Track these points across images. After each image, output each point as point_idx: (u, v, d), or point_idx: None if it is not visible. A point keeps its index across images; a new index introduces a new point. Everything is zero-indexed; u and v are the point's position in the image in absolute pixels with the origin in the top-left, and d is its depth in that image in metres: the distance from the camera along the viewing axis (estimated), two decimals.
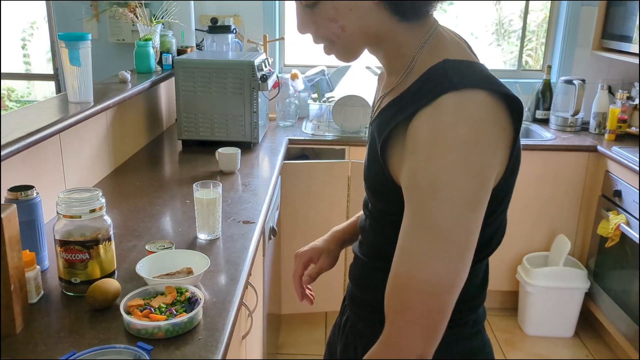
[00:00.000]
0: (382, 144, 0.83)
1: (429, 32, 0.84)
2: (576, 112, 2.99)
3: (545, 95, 3.22)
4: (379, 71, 2.72)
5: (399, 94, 0.84)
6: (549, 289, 2.78)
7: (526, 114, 3.30)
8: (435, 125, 0.74)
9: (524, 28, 3.37)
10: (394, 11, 0.81)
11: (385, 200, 0.88)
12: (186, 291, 1.15)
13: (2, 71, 5.74)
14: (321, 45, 0.89)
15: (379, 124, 0.86)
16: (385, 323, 0.79)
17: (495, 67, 3.60)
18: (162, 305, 1.10)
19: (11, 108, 6.02)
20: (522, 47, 3.42)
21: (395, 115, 0.82)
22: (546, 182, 2.85)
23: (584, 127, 3.10)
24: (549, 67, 3.21)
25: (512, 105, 0.78)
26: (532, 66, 3.66)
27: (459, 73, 0.78)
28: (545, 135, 3.01)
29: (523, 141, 2.94)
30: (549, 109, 3.21)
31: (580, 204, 2.88)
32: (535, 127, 3.17)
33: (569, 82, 3.04)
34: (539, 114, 3.24)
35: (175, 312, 1.08)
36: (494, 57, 4.68)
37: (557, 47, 3.29)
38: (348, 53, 0.87)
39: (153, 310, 1.08)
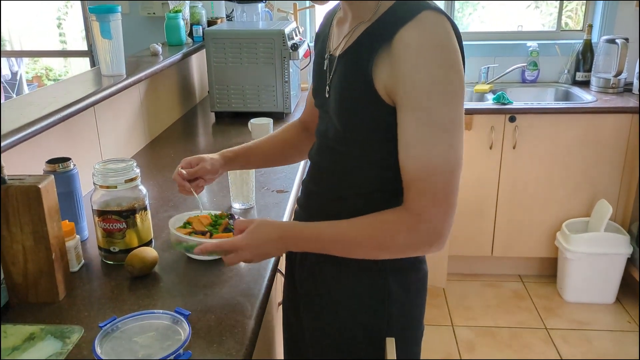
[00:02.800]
0: (372, 62, 0.93)
1: None
2: (619, 73, 2.87)
3: (586, 56, 3.10)
4: None
5: (373, 22, 0.96)
6: (589, 255, 2.72)
7: (565, 76, 3.19)
8: (420, 33, 0.88)
9: None
10: None
11: (363, 120, 0.98)
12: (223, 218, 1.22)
13: (39, 49, 5.86)
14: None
15: (359, 51, 0.96)
16: (407, 198, 0.93)
17: (533, 29, 3.47)
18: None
19: None
20: (561, 7, 3.29)
21: (377, 37, 0.93)
22: (587, 146, 2.77)
23: (627, 89, 2.98)
24: (590, 26, 3.08)
25: (455, 30, 0.93)
26: (572, 27, 3.52)
27: (428, 1, 0.93)
28: (586, 97, 2.91)
29: (562, 104, 2.85)
30: (589, 70, 3.09)
31: (622, 168, 2.79)
32: (576, 90, 3.06)
33: (612, 41, 2.91)
34: (579, 76, 3.13)
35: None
36: (532, 19, 4.52)
37: (598, 4, 3.15)
38: None
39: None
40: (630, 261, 2.76)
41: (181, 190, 1.26)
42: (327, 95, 1.06)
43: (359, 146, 1.01)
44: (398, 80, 0.90)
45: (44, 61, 6.29)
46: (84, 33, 3.55)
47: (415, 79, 0.88)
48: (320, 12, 3.24)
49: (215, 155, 1.30)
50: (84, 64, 5.70)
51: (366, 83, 0.94)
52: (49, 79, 6.33)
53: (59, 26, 5.92)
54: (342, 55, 1.01)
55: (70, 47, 5.94)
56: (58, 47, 6.02)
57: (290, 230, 1.03)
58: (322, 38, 1.14)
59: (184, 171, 1.25)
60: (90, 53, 3.31)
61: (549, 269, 3.05)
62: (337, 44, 1.05)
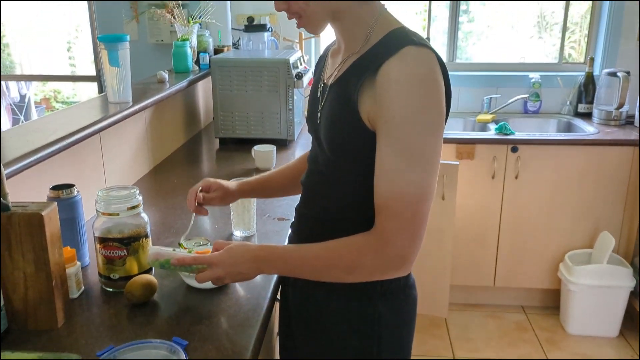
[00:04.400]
0: (357, 92, 0.98)
1: (379, 10, 1.05)
2: (620, 105, 2.89)
3: (588, 88, 3.12)
4: None
5: (362, 54, 1.02)
6: (592, 288, 2.71)
7: (567, 107, 3.21)
8: (403, 68, 0.93)
9: (565, 20, 3.28)
10: None
11: (348, 146, 1.03)
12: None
13: (49, 74, 5.95)
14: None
15: (348, 80, 1.02)
16: (376, 222, 0.97)
17: (536, 61, 3.51)
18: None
19: (57, 109, 6.23)
20: (563, 40, 3.33)
21: (364, 69, 0.99)
22: (589, 178, 2.77)
23: (629, 121, 3.00)
24: (592, 59, 3.11)
25: (441, 64, 0.98)
26: (575, 59, 3.55)
27: (415, 35, 0.99)
28: (588, 129, 2.92)
29: (564, 136, 2.87)
30: (591, 102, 3.11)
31: (625, 200, 2.79)
32: (578, 121, 3.08)
33: (613, 74, 2.94)
34: (582, 108, 3.15)
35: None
36: (535, 50, 4.57)
37: (600, 39, 3.19)
38: (314, 25, 1.05)
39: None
40: (633, 294, 2.74)
41: (189, 206, 1.33)
42: (318, 121, 1.12)
43: (347, 171, 1.06)
44: (379, 110, 0.96)
45: (53, 84, 6.38)
46: (93, 57, 3.62)
47: (393, 109, 0.93)
48: (325, 41, 3.29)
49: (233, 186, 1.36)
50: (92, 87, 5.79)
51: (352, 111, 1.00)
52: (57, 101, 6.41)
53: (68, 50, 6.02)
54: (333, 84, 1.08)
55: (79, 70, 6.03)
56: (67, 70, 6.10)
57: (264, 251, 1.06)
58: (319, 67, 1.22)
59: (201, 195, 1.32)
60: (98, 78, 3.36)
61: (552, 301, 3.02)
62: (330, 73, 1.11)
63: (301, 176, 1.27)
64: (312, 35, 3.17)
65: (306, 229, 1.18)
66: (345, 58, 1.07)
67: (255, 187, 1.39)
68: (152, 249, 1.14)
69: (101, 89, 3.34)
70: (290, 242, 1.27)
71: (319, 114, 1.12)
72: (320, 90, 1.13)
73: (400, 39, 0.97)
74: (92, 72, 4.12)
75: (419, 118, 0.93)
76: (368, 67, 0.98)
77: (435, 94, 0.94)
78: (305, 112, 2.91)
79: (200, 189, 1.33)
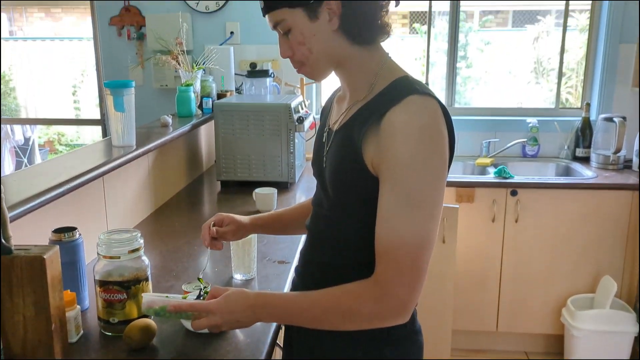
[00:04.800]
0: (362, 138, 1.01)
1: (383, 57, 1.08)
2: (618, 150, 2.93)
3: (585, 133, 3.16)
4: None
5: (367, 101, 1.04)
6: (596, 333, 2.67)
7: (565, 151, 3.24)
8: (406, 116, 0.96)
9: (560, 66, 3.35)
10: (348, 36, 1.04)
11: (352, 191, 1.05)
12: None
13: (54, 117, 6.03)
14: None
15: (353, 127, 1.04)
16: (376, 269, 0.97)
17: (533, 106, 3.57)
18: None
19: (61, 152, 6.30)
20: (559, 85, 3.39)
21: (369, 116, 1.01)
22: (589, 222, 2.78)
23: (627, 165, 3.02)
24: (588, 104, 3.16)
25: (445, 112, 1.00)
26: (572, 103, 3.61)
27: (419, 84, 1.02)
28: (587, 173, 2.94)
29: (564, 180, 2.89)
30: (589, 147, 3.15)
31: (625, 244, 2.78)
32: (576, 166, 3.10)
33: (609, 119, 2.98)
34: (579, 152, 3.18)
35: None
36: (533, 95, 4.64)
37: (595, 85, 3.25)
38: (317, 72, 1.09)
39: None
40: (637, 340, 2.70)
41: (203, 241, 1.33)
42: (323, 166, 1.13)
43: (351, 216, 1.07)
44: (382, 157, 0.98)
45: (57, 126, 6.46)
46: (98, 101, 3.68)
47: (396, 156, 0.95)
48: (326, 86, 3.35)
49: (245, 220, 1.36)
50: (96, 130, 5.86)
51: (356, 157, 1.02)
52: (60, 144, 6.48)
53: (73, 93, 6.13)
54: (338, 130, 1.10)
55: (83, 114, 6.12)
56: (72, 113, 6.19)
57: (262, 299, 1.04)
58: (325, 113, 1.24)
59: (214, 229, 1.32)
60: (102, 121, 3.41)
61: (555, 346, 2.98)
62: (336, 119, 1.14)
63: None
64: (314, 81, 3.24)
65: (311, 273, 1.17)
66: (351, 105, 1.09)
67: (268, 222, 1.39)
68: (145, 297, 1.13)
69: (105, 132, 3.39)
70: (293, 286, 1.25)
71: (324, 158, 1.13)
72: (325, 135, 1.16)
73: (404, 88, 1.00)
74: (97, 115, 4.18)
75: (421, 166, 0.94)
76: (372, 114, 1.00)
77: (438, 142, 0.96)
78: (306, 155, 2.95)
79: (213, 223, 1.33)
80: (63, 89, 6.04)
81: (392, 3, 1.07)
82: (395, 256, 0.94)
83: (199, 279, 1.31)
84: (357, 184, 1.03)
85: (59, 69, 6.00)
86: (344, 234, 1.09)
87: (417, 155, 0.94)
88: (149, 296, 1.14)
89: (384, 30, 1.06)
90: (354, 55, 1.06)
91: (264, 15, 1.08)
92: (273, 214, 1.42)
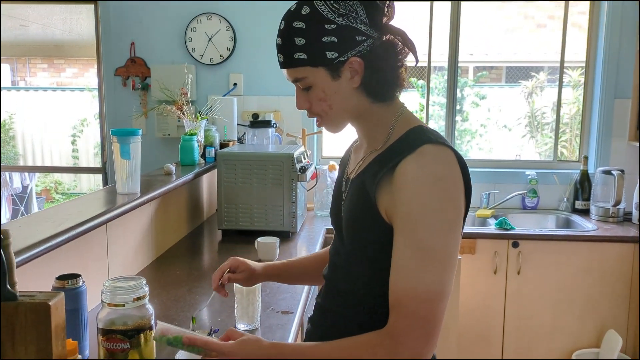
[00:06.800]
0: (376, 187, 1.01)
1: (400, 109, 1.09)
2: (617, 203, 2.94)
3: (584, 185, 3.19)
4: None
5: (382, 151, 1.05)
6: None
7: (565, 204, 3.26)
8: (419, 166, 0.96)
9: (557, 120, 3.41)
10: (368, 94, 1.06)
11: (368, 240, 1.04)
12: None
13: (52, 165, 6.05)
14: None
15: (367, 176, 1.05)
16: (389, 320, 0.95)
17: (530, 158, 3.61)
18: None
19: (58, 200, 6.28)
20: (557, 138, 3.44)
21: (383, 165, 1.02)
22: (591, 275, 2.76)
23: (627, 218, 3.03)
24: (586, 157, 3.20)
25: (460, 161, 1.00)
26: (567, 157, 3.67)
27: (433, 133, 1.03)
28: (587, 225, 2.95)
29: (565, 232, 2.90)
30: (588, 199, 3.17)
31: (629, 297, 2.76)
32: (576, 218, 3.11)
33: (608, 172, 3.01)
34: (579, 205, 3.20)
35: None
36: (528, 148, 4.70)
37: (592, 139, 3.30)
38: (335, 126, 1.11)
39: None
40: None
41: (213, 282, 1.33)
42: (341, 215, 1.13)
43: (368, 265, 1.06)
44: (396, 207, 0.97)
45: (55, 175, 6.47)
46: (96, 150, 3.70)
47: (410, 206, 0.95)
48: (327, 137, 3.39)
49: (259, 269, 1.36)
50: (94, 179, 5.87)
51: (371, 205, 1.02)
52: (57, 192, 6.47)
53: (73, 142, 6.16)
54: (355, 179, 1.10)
55: (82, 162, 6.14)
56: (70, 162, 6.21)
57: (275, 349, 1.02)
58: (343, 163, 1.25)
59: (227, 276, 1.32)
60: (103, 170, 3.42)
61: None
62: (353, 168, 1.14)
63: (326, 264, 1.27)
64: (319, 130, 3.28)
65: (327, 323, 1.15)
66: (367, 154, 1.10)
67: (280, 271, 1.38)
68: (160, 324, 1.11)
69: (106, 181, 3.39)
70: (307, 336, 1.23)
71: (341, 207, 1.13)
72: (343, 184, 1.16)
73: (418, 137, 1.00)
74: (94, 164, 4.21)
75: (435, 216, 0.94)
76: (386, 164, 1.01)
77: (453, 191, 0.96)
78: (307, 205, 2.94)
79: (228, 269, 1.32)
80: (62, 138, 6.08)
81: (412, 59, 1.08)
82: (409, 308, 0.93)
83: (192, 317, 1.29)
84: (372, 232, 1.03)
85: (59, 119, 6.06)
86: (364, 283, 1.07)
87: (430, 205, 0.94)
88: (163, 324, 1.11)
89: (402, 85, 1.08)
90: (373, 109, 1.08)
91: (281, 68, 1.08)
92: (285, 262, 1.40)
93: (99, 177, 3.67)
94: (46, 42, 5.01)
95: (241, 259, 1.36)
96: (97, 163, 6.02)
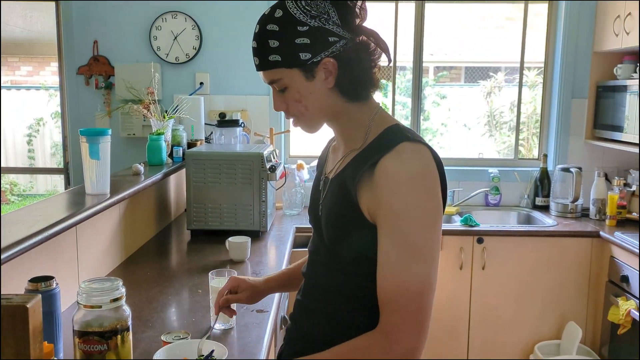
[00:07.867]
0: (356, 186, 1.03)
1: (375, 109, 1.11)
2: (575, 199, 3.06)
3: (544, 182, 3.30)
4: None
5: (361, 150, 1.07)
6: None
7: (526, 200, 3.36)
8: (399, 163, 0.99)
9: (518, 119, 3.51)
10: (343, 94, 1.08)
11: (349, 237, 1.05)
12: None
13: (7, 166, 5.86)
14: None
15: (347, 175, 1.07)
16: (381, 318, 0.97)
17: (490, 157, 3.71)
18: None
19: (13, 202, 6.08)
20: (517, 137, 3.55)
21: (363, 164, 1.04)
22: (551, 269, 2.86)
23: (584, 213, 3.15)
24: (545, 155, 3.31)
25: (436, 158, 1.03)
26: (524, 155, 3.78)
27: (410, 132, 1.05)
28: (547, 221, 3.05)
29: (526, 227, 2.99)
30: (547, 195, 3.28)
31: (587, 290, 2.87)
32: (536, 214, 3.21)
33: (566, 170, 3.12)
34: (539, 201, 3.30)
35: None
36: (487, 147, 4.83)
37: (551, 137, 3.41)
38: (311, 126, 1.12)
39: None
40: None
41: (215, 311, 1.34)
42: (319, 213, 1.15)
43: (348, 262, 1.07)
44: (378, 205, 0.99)
45: (10, 176, 6.26)
46: (53, 150, 3.60)
47: (392, 203, 0.97)
48: (295, 136, 3.40)
49: (261, 285, 1.36)
50: (50, 180, 5.70)
51: (352, 204, 1.04)
52: (12, 194, 6.26)
53: (29, 142, 5.99)
54: (334, 178, 1.12)
55: (38, 163, 5.97)
56: (26, 162, 6.03)
57: None
58: (321, 162, 1.26)
59: (226, 297, 1.32)
60: (65, 170, 3.33)
61: None
62: (331, 168, 1.16)
63: None
64: (287, 129, 3.28)
65: (310, 321, 1.16)
66: (346, 154, 1.12)
67: (284, 281, 1.38)
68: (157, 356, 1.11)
69: (69, 182, 3.31)
70: (288, 333, 1.24)
71: (320, 206, 1.15)
72: (322, 183, 1.18)
73: (396, 136, 1.03)
74: (51, 164, 4.07)
75: (417, 212, 0.97)
76: (366, 162, 1.03)
77: (432, 187, 0.99)
78: (276, 205, 2.95)
79: (228, 291, 1.32)
80: (17, 138, 5.90)
81: (384, 59, 1.10)
82: (399, 303, 0.95)
83: (199, 348, 1.27)
84: (354, 230, 1.04)
85: (13, 118, 5.87)
86: (340, 280, 1.09)
87: (412, 201, 0.97)
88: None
89: (376, 85, 1.10)
90: (348, 109, 1.10)
91: (257, 71, 1.09)
92: (285, 271, 1.41)
93: (57, 178, 3.58)
94: (5, 39, 4.85)
95: (240, 277, 1.35)
96: (54, 163, 5.85)
